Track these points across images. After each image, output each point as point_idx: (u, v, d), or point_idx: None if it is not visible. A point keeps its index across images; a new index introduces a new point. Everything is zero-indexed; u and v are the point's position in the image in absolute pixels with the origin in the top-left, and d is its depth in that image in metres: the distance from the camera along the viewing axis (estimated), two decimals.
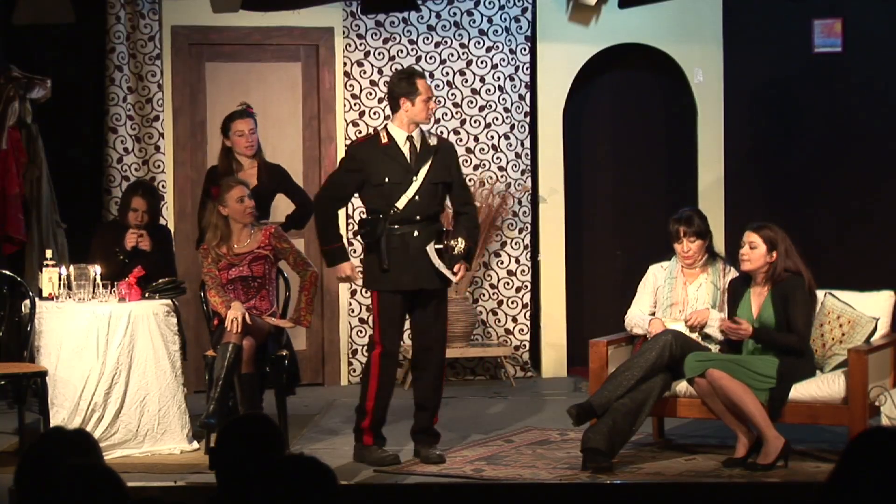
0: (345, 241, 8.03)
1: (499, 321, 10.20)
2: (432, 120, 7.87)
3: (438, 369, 7.61)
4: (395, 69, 9.94)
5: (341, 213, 9.95)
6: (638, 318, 7.71)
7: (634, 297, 7.84)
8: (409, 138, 7.50)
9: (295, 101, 9.98)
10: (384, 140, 7.52)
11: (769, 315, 7.30)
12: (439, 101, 10.04)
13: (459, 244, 7.45)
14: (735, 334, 7.33)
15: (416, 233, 7.43)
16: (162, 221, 9.16)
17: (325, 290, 9.78)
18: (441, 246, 7.46)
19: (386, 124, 7.73)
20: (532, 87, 10.22)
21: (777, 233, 7.40)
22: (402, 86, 7.48)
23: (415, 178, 7.43)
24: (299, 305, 8.00)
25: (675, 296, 7.66)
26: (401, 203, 7.41)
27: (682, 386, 7.38)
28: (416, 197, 7.42)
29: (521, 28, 10.19)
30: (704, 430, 7.99)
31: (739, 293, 7.46)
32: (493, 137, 10.10)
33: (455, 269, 7.46)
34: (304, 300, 7.98)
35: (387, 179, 7.43)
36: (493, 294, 10.22)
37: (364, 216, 7.70)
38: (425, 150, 7.51)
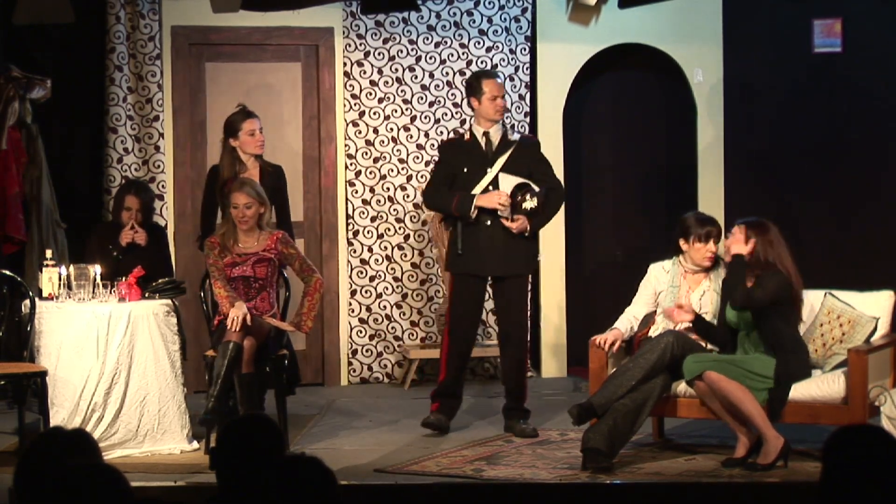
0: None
1: None
2: (499, 116, 8.13)
3: (518, 351, 8.15)
4: (396, 69, 9.97)
5: (341, 211, 9.96)
6: (619, 322, 7.73)
7: (634, 297, 7.84)
8: (486, 134, 8.14)
9: (295, 101, 9.97)
10: (467, 137, 8.26)
11: (748, 311, 7.30)
12: (439, 101, 10.06)
13: (529, 201, 7.97)
14: (675, 318, 7.38)
15: (489, 222, 8.02)
16: (161, 221, 9.17)
17: (326, 290, 9.77)
18: (517, 198, 7.99)
19: (471, 124, 8.37)
20: (532, 87, 10.22)
21: (764, 230, 7.34)
22: (471, 86, 8.25)
23: (489, 170, 8.02)
24: (301, 309, 8.00)
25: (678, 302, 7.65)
26: (476, 191, 8.03)
27: (682, 386, 7.37)
28: (490, 187, 8.01)
29: (521, 28, 10.19)
30: (704, 430, 7.99)
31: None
32: None
33: (514, 218, 7.96)
34: (306, 305, 7.98)
35: (465, 170, 8.11)
36: None
37: None
38: (503, 144, 8.11)
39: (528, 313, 8.27)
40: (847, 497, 3.40)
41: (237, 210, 7.87)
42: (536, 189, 8.01)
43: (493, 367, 10.15)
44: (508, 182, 8.03)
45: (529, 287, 8.28)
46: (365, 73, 9.97)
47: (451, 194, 8.12)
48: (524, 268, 8.16)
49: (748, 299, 7.25)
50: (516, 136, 8.28)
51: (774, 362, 7.21)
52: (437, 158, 8.54)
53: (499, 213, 7.99)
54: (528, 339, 8.30)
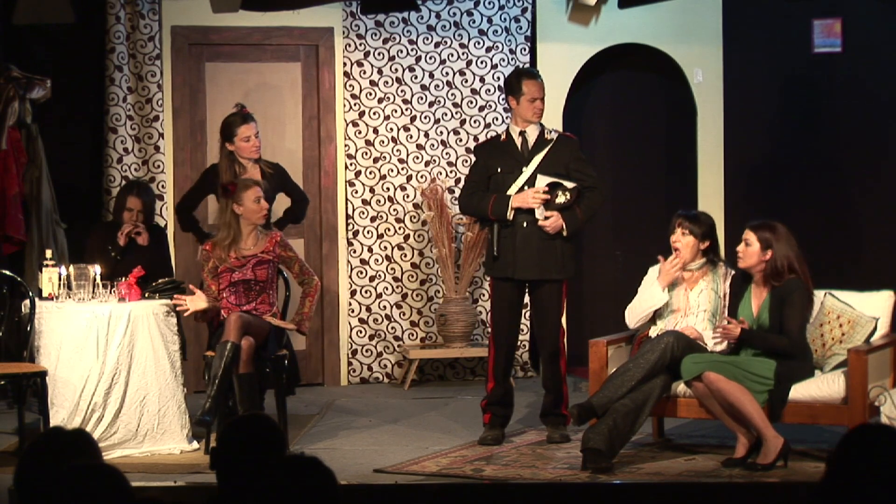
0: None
1: None
2: (536, 118, 7.99)
3: (553, 356, 7.98)
4: (396, 69, 9.97)
5: (341, 211, 9.96)
6: (637, 302, 7.68)
7: (636, 296, 7.83)
8: (522, 133, 7.94)
9: (295, 101, 9.97)
10: (503, 137, 8.09)
11: (766, 317, 7.28)
12: (439, 101, 10.06)
13: (561, 196, 7.82)
14: (726, 336, 7.31)
15: (525, 224, 7.84)
16: (161, 221, 9.17)
17: (325, 290, 9.78)
18: (549, 196, 7.83)
19: (508, 124, 8.23)
20: None
21: (777, 232, 7.34)
22: (511, 84, 8.04)
23: (525, 169, 7.87)
24: (302, 309, 8.02)
25: (676, 302, 7.63)
26: (511, 191, 7.87)
27: (682, 386, 7.37)
28: (526, 187, 7.85)
29: (521, 28, 10.19)
30: (704, 430, 7.99)
31: (740, 292, 7.45)
32: None
33: (547, 214, 7.81)
34: (307, 305, 8.01)
35: (499, 169, 7.95)
36: None
37: None
38: (539, 143, 7.94)
39: (562, 318, 8.02)
40: (854, 495, 3.38)
41: (257, 205, 7.88)
42: (569, 185, 7.85)
43: None
44: (543, 181, 7.86)
45: (565, 294, 8.01)
46: (365, 73, 9.97)
47: (487, 197, 7.93)
48: (558, 272, 7.89)
49: (793, 342, 7.21)
50: (553, 135, 8.02)
51: (774, 363, 7.20)
52: (473, 161, 8.35)
53: (535, 211, 7.84)
54: (563, 347, 8.02)
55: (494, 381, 8.03)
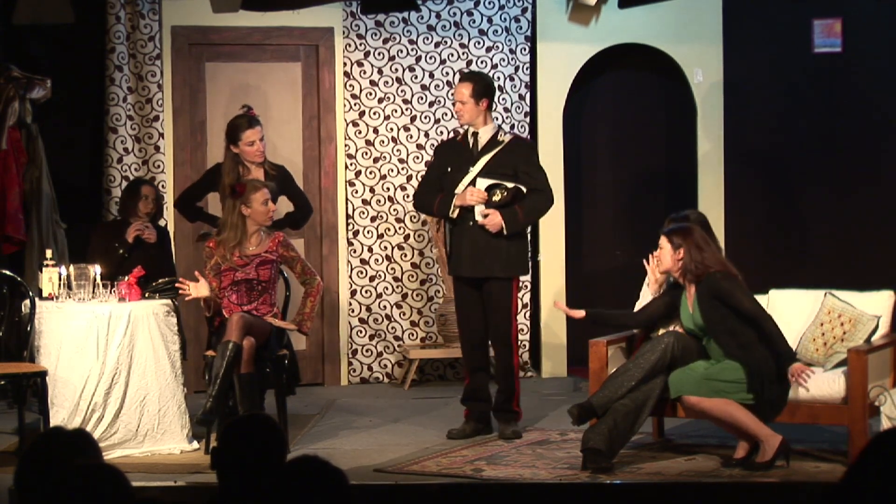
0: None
1: None
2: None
3: (503, 356, 8.10)
4: (396, 69, 9.97)
5: (341, 211, 9.96)
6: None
7: (639, 300, 7.82)
8: (475, 134, 8.07)
9: (295, 101, 9.97)
10: (459, 137, 8.26)
11: (698, 315, 7.22)
12: (439, 101, 10.06)
13: (497, 195, 7.93)
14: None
15: (471, 222, 7.97)
16: (161, 222, 9.18)
17: (326, 290, 9.77)
18: (486, 195, 7.95)
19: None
20: (532, 87, 10.22)
21: (687, 235, 7.22)
22: (490, 87, 8.18)
23: (471, 169, 7.97)
24: (303, 309, 8.02)
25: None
26: (458, 190, 7.99)
27: None
28: (471, 187, 7.96)
29: (521, 28, 10.19)
30: (704, 430, 7.99)
31: (677, 296, 7.39)
32: None
33: (485, 213, 7.91)
34: (308, 305, 8.02)
35: (449, 169, 8.08)
36: None
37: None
38: (490, 144, 8.03)
39: (513, 316, 8.09)
40: (873, 498, 3.34)
41: (265, 207, 7.92)
42: (508, 185, 7.94)
43: (493, 366, 10.13)
44: (483, 183, 7.98)
45: (515, 290, 8.13)
46: (365, 73, 9.97)
47: (435, 195, 8.11)
48: (503, 270, 8.00)
49: (763, 316, 7.14)
50: (507, 137, 8.12)
51: (740, 366, 7.09)
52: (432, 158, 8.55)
53: (475, 210, 7.95)
54: (516, 342, 8.09)
55: (468, 377, 8.22)
